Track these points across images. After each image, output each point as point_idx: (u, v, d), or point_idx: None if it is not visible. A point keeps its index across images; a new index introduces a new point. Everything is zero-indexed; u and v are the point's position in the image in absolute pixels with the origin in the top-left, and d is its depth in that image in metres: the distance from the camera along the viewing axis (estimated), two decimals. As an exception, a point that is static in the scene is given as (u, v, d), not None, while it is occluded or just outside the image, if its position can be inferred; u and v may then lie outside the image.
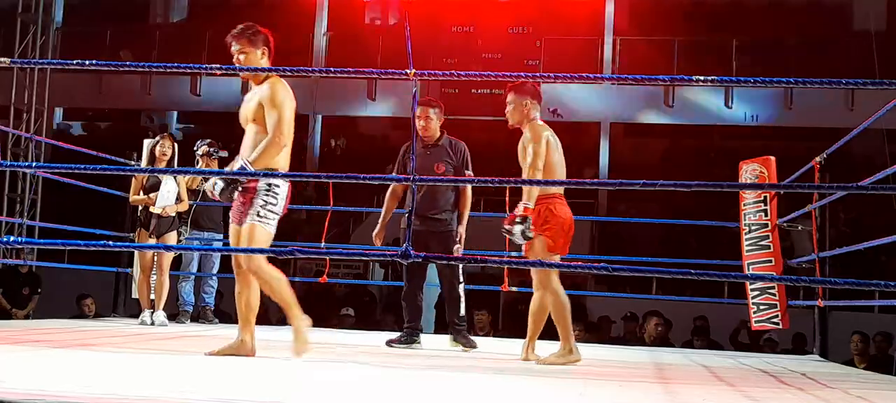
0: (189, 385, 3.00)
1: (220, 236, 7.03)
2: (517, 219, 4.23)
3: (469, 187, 5.39)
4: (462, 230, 5.33)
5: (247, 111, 4.04)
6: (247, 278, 3.96)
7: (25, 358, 3.64)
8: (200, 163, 6.94)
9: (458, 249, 5.26)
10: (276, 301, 3.96)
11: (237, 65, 3.99)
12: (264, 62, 4.03)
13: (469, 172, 5.37)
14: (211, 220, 7.05)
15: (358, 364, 4.17)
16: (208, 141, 7.02)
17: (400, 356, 4.71)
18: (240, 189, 3.95)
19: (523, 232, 4.22)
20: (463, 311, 5.36)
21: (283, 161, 3.99)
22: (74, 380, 2.95)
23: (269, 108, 3.92)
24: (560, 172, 4.50)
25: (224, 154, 6.89)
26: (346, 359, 4.40)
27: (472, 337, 5.55)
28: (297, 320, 3.92)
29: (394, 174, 5.44)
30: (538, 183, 4.31)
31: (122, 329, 5.93)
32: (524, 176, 4.44)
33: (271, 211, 3.94)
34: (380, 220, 5.43)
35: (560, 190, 4.50)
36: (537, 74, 3.51)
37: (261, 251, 3.88)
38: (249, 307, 4.01)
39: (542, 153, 4.40)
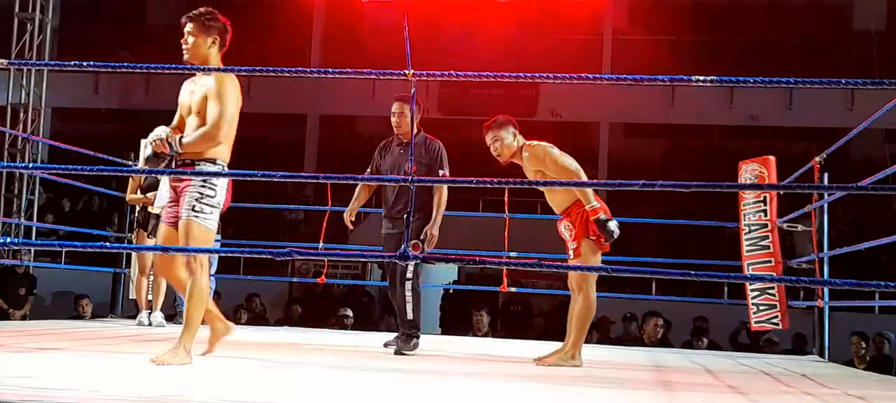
0: (188, 385, 2.98)
1: (219, 236, 7.00)
2: (601, 218, 4.22)
3: (444, 187, 5.05)
4: (435, 231, 4.96)
5: (191, 102, 3.79)
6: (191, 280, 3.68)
7: (22, 359, 3.63)
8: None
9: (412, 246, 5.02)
10: (188, 309, 3.64)
11: (183, 46, 3.77)
12: (213, 52, 3.78)
13: (443, 171, 5.06)
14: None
15: (356, 364, 4.15)
16: None
17: (398, 356, 4.69)
18: (167, 160, 3.64)
19: (615, 225, 4.23)
20: (411, 315, 4.91)
21: (224, 154, 3.72)
22: (71, 381, 2.94)
23: (213, 100, 3.67)
24: (581, 172, 4.47)
25: None
26: (345, 360, 4.39)
27: (415, 342, 4.97)
28: (187, 339, 3.58)
29: (368, 174, 5.24)
30: (539, 184, 4.29)
31: (120, 329, 5.92)
32: (556, 199, 4.43)
33: (209, 205, 3.63)
34: (351, 203, 5.24)
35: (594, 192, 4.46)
36: (537, 74, 3.48)
37: (260, 252, 3.85)
38: (201, 300, 3.70)
39: (563, 160, 4.37)
